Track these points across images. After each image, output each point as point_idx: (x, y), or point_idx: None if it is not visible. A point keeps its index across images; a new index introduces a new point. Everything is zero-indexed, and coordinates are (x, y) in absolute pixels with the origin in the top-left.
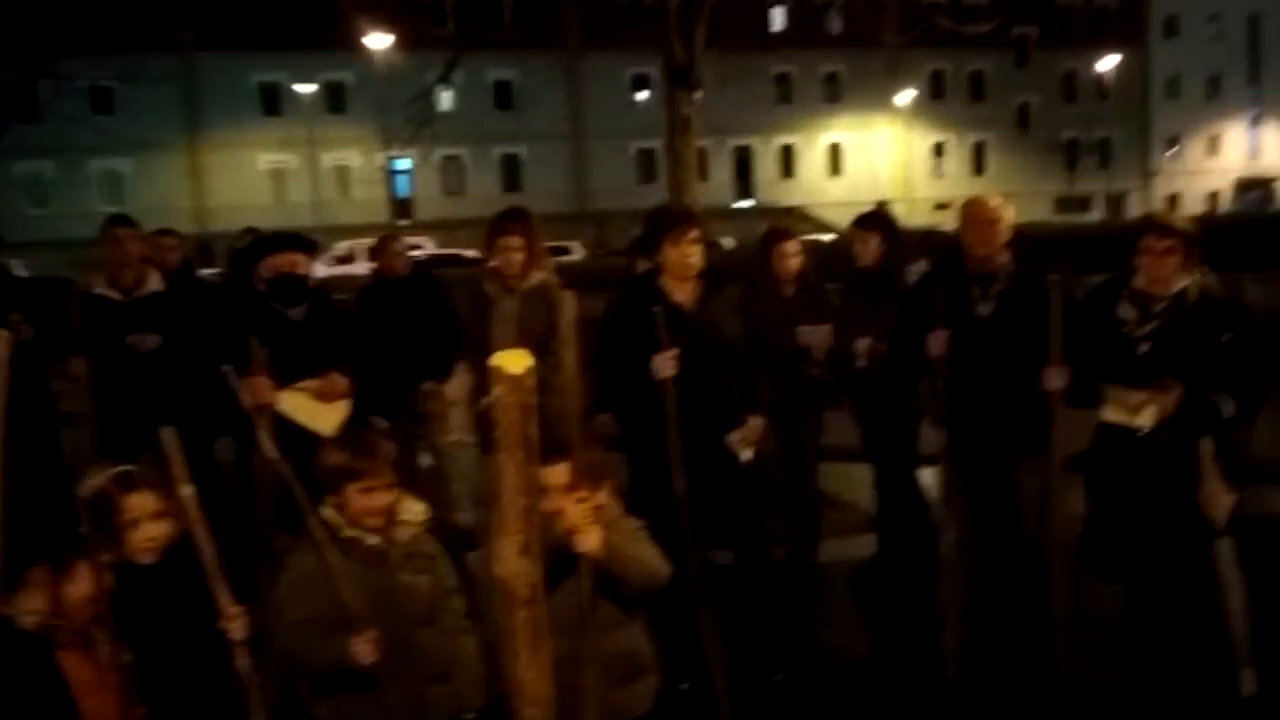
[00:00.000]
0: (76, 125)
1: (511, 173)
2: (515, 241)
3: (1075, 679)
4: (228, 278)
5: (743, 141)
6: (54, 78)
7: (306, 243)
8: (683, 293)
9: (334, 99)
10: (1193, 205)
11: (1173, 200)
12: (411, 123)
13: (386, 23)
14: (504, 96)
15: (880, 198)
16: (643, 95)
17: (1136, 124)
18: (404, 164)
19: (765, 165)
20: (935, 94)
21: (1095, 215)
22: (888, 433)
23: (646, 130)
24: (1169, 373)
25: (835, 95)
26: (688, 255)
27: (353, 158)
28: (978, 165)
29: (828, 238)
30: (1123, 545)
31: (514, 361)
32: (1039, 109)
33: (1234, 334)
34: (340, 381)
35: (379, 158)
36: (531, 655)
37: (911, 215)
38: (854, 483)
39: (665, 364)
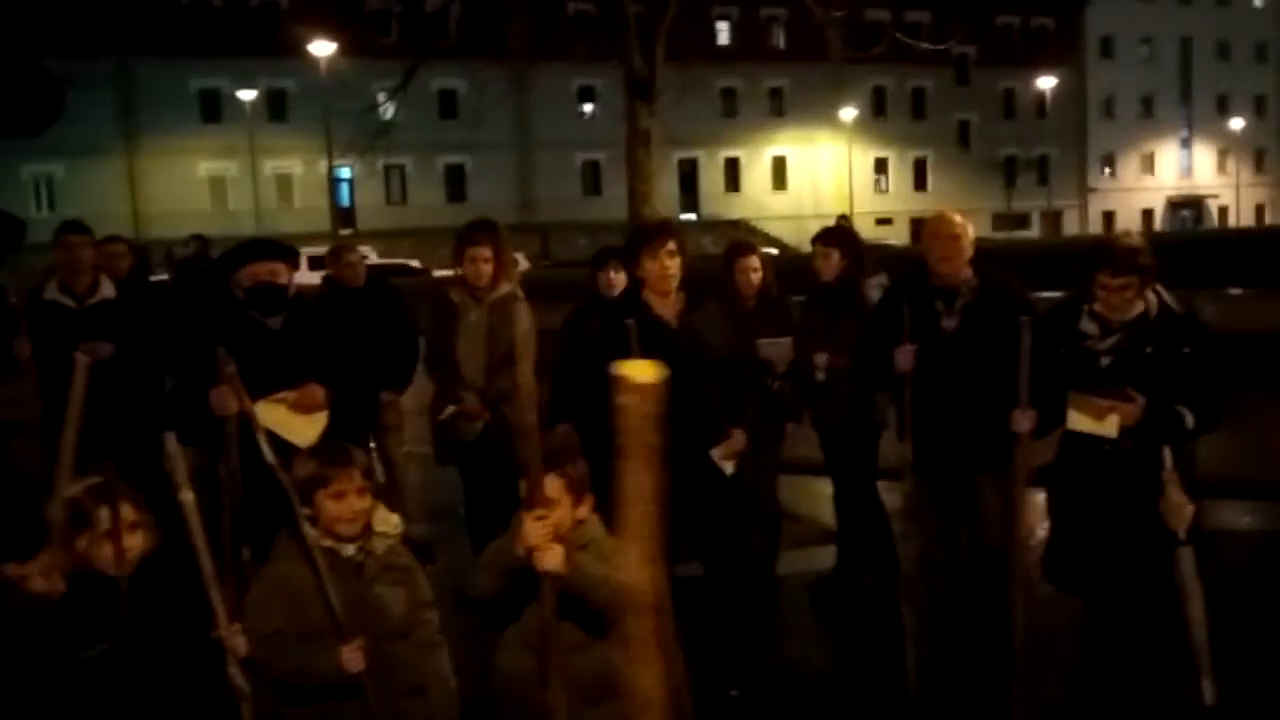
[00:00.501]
0: None
1: (455, 183)
2: (484, 252)
3: (1036, 692)
4: (176, 284)
5: (688, 155)
6: None
7: (288, 251)
8: (664, 306)
9: (275, 106)
10: (1127, 223)
11: (1108, 218)
12: (363, 134)
13: (330, 30)
14: (449, 106)
15: (823, 212)
16: (589, 107)
17: (1073, 142)
18: (346, 173)
19: (710, 179)
20: (877, 110)
21: (1033, 232)
22: (848, 446)
23: (592, 142)
24: (1131, 385)
25: (780, 109)
26: (666, 268)
27: (295, 166)
28: (919, 181)
29: (773, 252)
30: (1087, 555)
31: (642, 370)
32: (978, 127)
33: (1192, 348)
34: (318, 392)
35: (321, 166)
36: (651, 664)
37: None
38: (813, 496)
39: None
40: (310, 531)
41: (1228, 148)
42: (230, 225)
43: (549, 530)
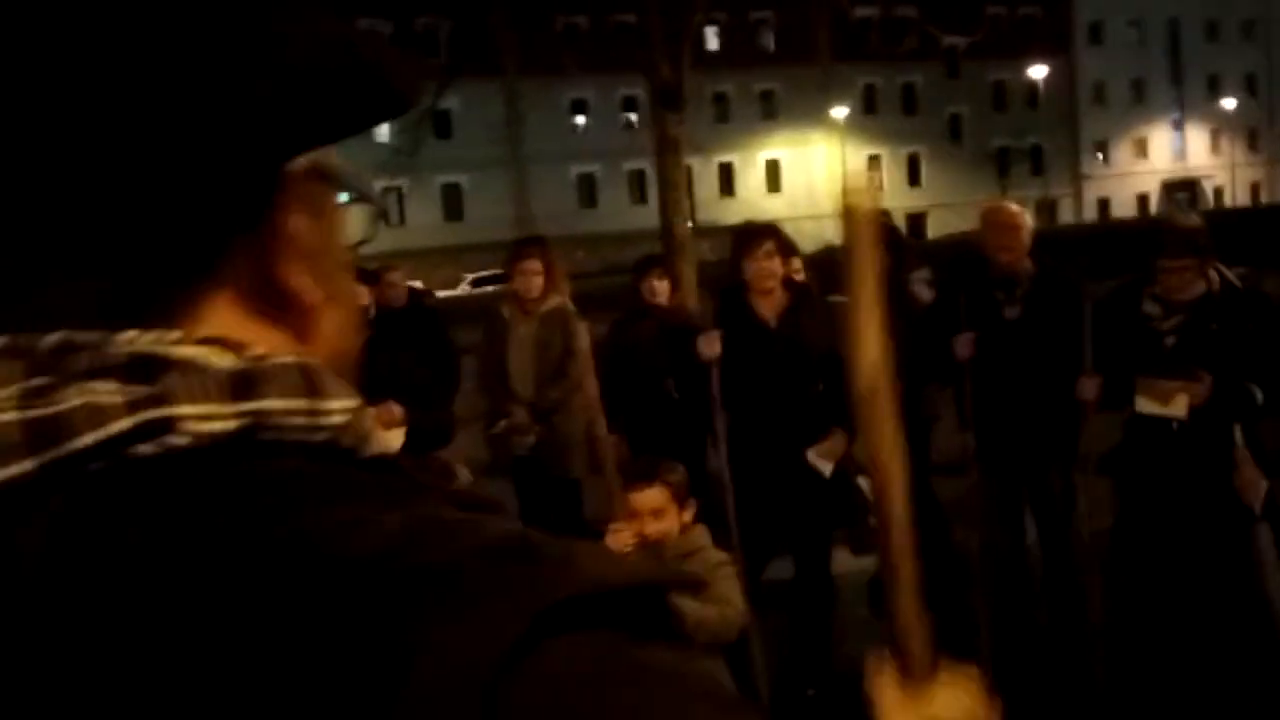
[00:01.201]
0: None
1: (453, 202)
2: (534, 265)
3: (1118, 672)
4: None
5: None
6: None
7: (368, 273)
8: (766, 306)
9: None
10: (1122, 208)
11: (1103, 204)
12: (402, 152)
13: None
14: (443, 125)
15: (818, 212)
16: (581, 120)
17: (1065, 131)
18: (341, 196)
19: (705, 184)
20: (868, 108)
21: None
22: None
23: (586, 155)
24: (1197, 364)
25: (771, 112)
26: (764, 269)
27: None
28: (913, 177)
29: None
30: (1158, 539)
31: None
32: (970, 119)
33: (1258, 324)
34: (396, 410)
35: None
36: (890, 437)
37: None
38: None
39: (710, 343)
40: None
41: (1220, 128)
42: None
43: (629, 541)
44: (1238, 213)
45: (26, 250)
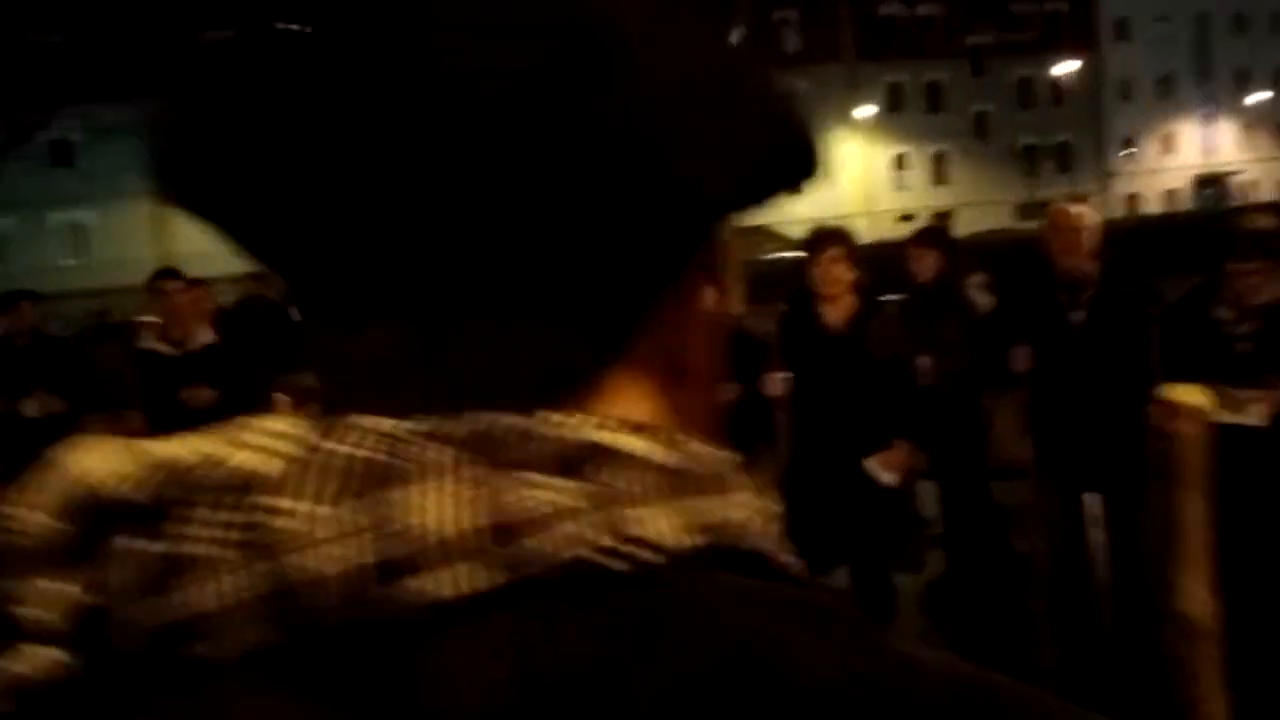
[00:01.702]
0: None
1: None
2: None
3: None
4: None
5: None
6: None
7: None
8: (833, 312)
9: None
10: (1151, 204)
11: (1131, 200)
12: None
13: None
14: None
15: (843, 213)
16: None
17: (1092, 127)
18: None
19: None
20: (893, 106)
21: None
22: (956, 448)
23: None
24: (1271, 370)
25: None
26: (829, 274)
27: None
28: (939, 176)
29: (792, 255)
30: (1241, 545)
31: (1190, 394)
32: (996, 117)
33: None
34: None
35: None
36: (1217, 689)
37: (875, 229)
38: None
39: (775, 384)
40: None
41: (1250, 122)
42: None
43: None
44: (1270, 206)
45: (442, 314)
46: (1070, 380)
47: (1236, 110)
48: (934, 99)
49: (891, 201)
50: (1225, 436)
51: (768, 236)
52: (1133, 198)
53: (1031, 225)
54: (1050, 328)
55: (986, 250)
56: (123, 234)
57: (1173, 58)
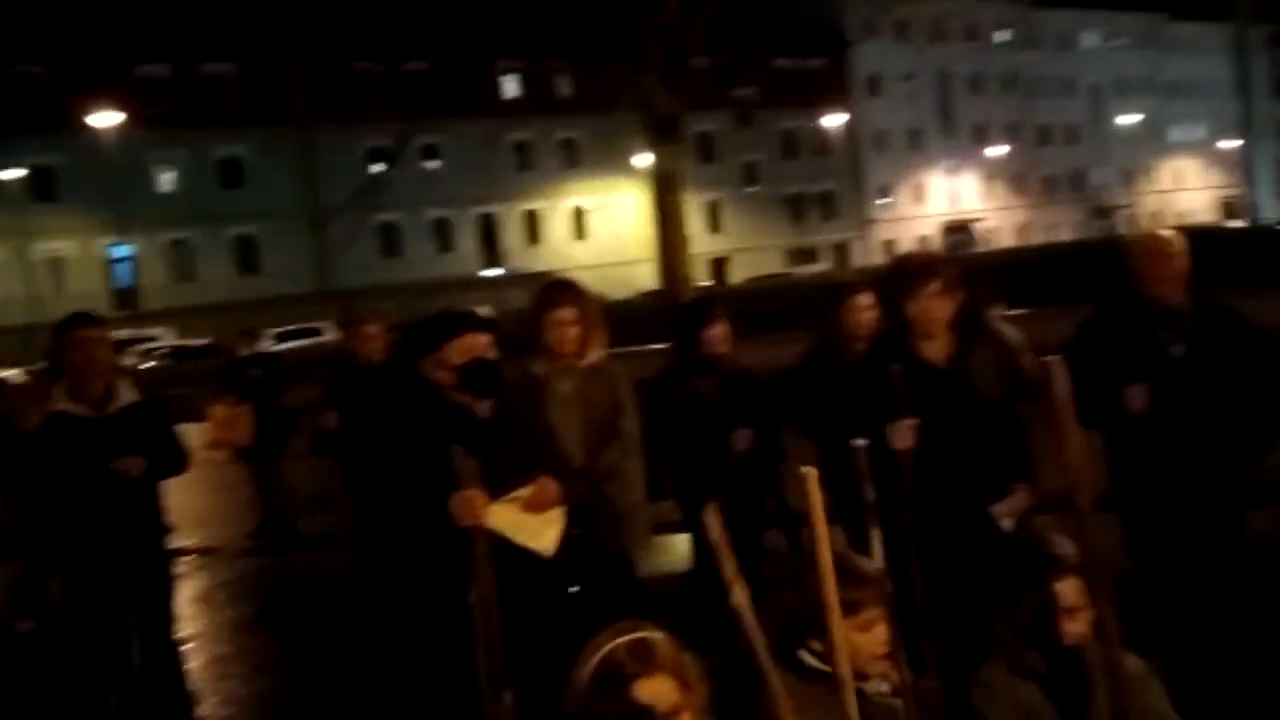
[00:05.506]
0: None
1: (247, 254)
2: (569, 314)
3: None
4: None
5: (486, 210)
6: None
7: (493, 323)
8: (933, 349)
9: (43, 184)
10: (907, 248)
11: (889, 246)
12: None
13: (100, 101)
14: (232, 174)
15: (628, 259)
16: (380, 168)
17: (852, 177)
18: (125, 250)
19: (510, 232)
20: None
21: (823, 265)
22: None
23: (386, 204)
24: None
25: (573, 160)
26: (930, 309)
27: (68, 247)
28: (714, 222)
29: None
30: None
31: None
32: (765, 166)
33: None
34: (552, 488)
35: (97, 245)
36: None
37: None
38: None
39: (903, 434)
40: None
41: (989, 174)
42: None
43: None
44: (1009, 253)
45: None
46: (1177, 414)
47: (978, 162)
48: (706, 149)
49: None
50: None
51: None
52: (889, 244)
53: (803, 269)
54: (1150, 363)
55: (765, 294)
56: None
57: (920, 113)
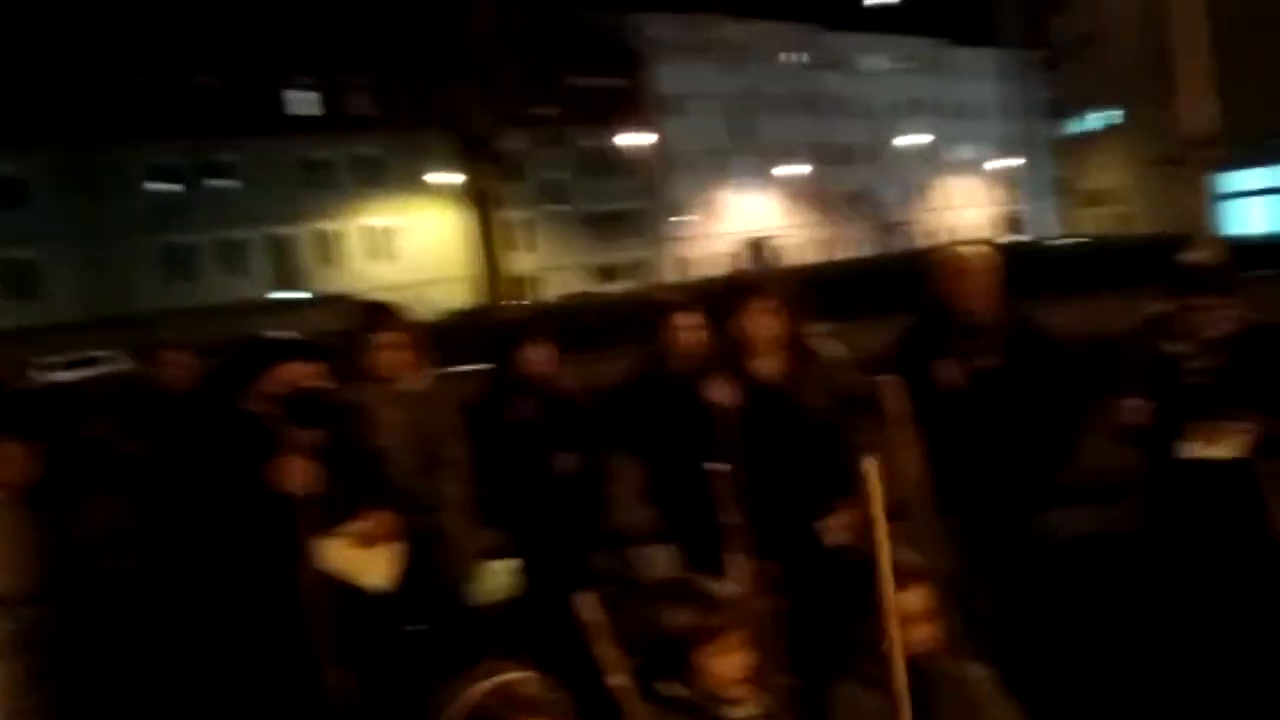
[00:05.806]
0: None
1: (24, 279)
2: (395, 338)
3: None
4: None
5: (278, 230)
6: None
7: (324, 350)
8: (764, 366)
9: None
10: (711, 267)
11: (684, 264)
12: None
13: None
14: (9, 194)
15: (437, 277)
16: (163, 186)
17: (656, 195)
18: None
19: (303, 253)
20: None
21: (632, 282)
22: None
23: (173, 225)
24: (1230, 404)
25: (372, 178)
26: (760, 327)
27: None
28: (527, 241)
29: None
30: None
31: None
32: (573, 184)
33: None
34: (388, 520)
35: None
36: None
37: (452, 295)
38: None
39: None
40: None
41: (790, 191)
42: None
43: None
44: (814, 269)
45: None
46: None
47: (780, 180)
48: (513, 167)
49: (475, 267)
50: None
51: (347, 304)
52: (694, 260)
53: (613, 287)
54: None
55: (577, 312)
56: None
57: (723, 132)
